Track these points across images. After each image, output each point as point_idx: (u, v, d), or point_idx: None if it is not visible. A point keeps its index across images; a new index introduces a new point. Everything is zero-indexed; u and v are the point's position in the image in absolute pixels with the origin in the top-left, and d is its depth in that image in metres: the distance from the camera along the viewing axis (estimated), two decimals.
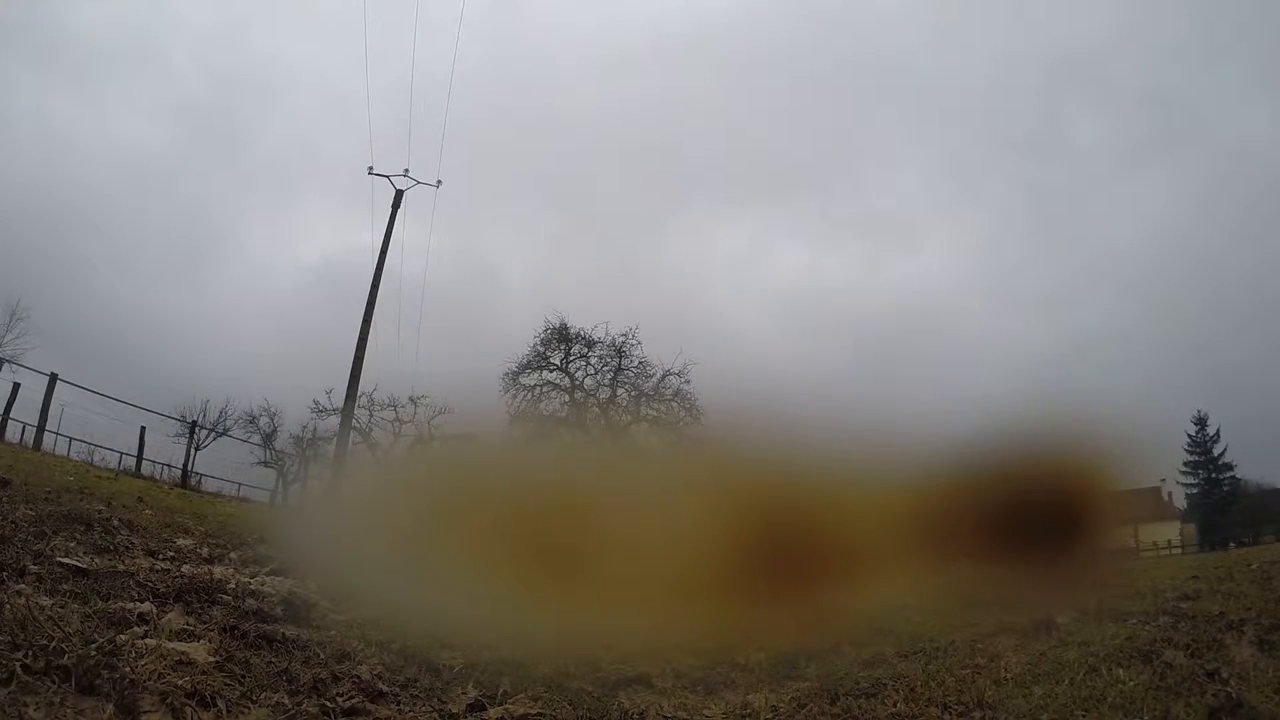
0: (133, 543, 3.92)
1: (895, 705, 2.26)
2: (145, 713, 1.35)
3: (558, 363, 28.27)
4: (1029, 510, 1.46)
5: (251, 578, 2.85)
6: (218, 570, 3.08)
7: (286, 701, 1.57)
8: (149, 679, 1.45)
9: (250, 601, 2.40)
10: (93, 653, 1.44)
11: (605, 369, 28.39)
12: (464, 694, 1.90)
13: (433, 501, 1.59)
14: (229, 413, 25.61)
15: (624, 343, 27.94)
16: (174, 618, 1.90)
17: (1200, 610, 3.94)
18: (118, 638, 1.60)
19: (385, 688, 1.82)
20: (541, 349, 27.95)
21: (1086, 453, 1.51)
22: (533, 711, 1.87)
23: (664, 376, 27.57)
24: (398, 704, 1.80)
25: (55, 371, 15.37)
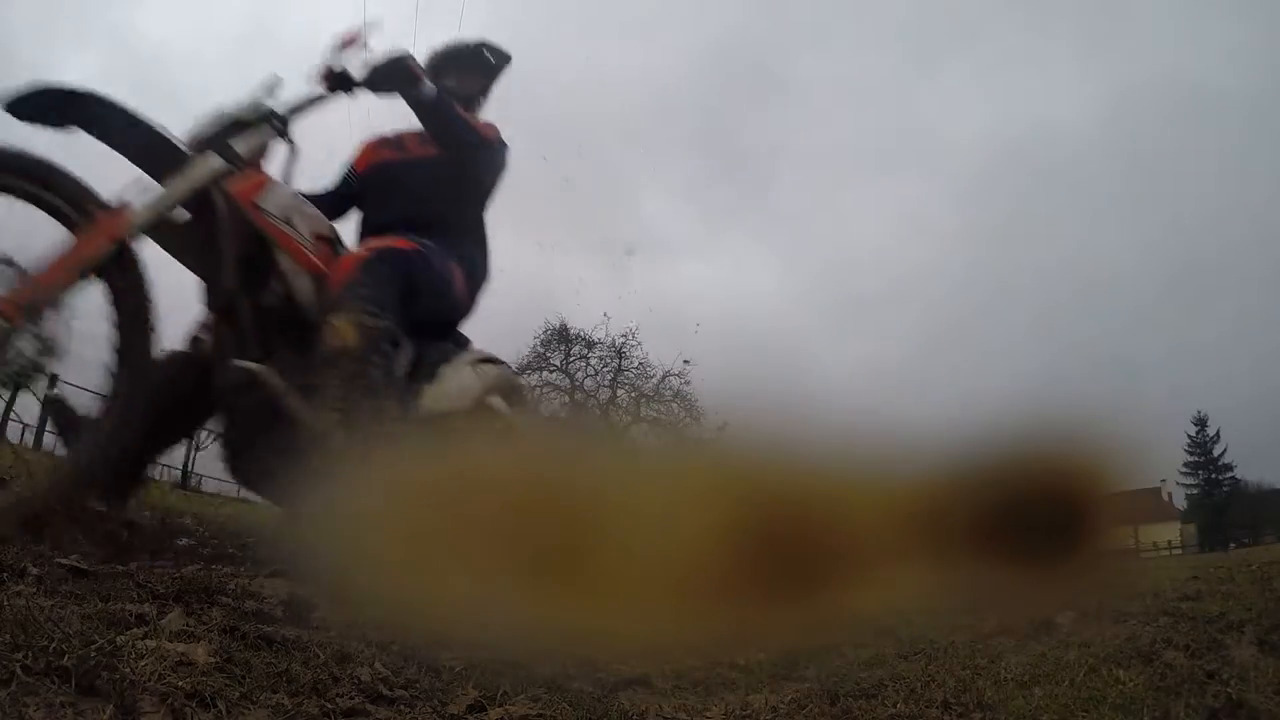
0: (133, 543, 3.92)
1: (895, 706, 2.26)
2: (145, 713, 1.35)
3: (558, 364, 28.20)
4: (1029, 510, 1.46)
5: (251, 579, 2.85)
6: (218, 570, 3.08)
7: (286, 703, 1.57)
8: (149, 680, 1.45)
9: (250, 602, 2.39)
10: (93, 654, 1.44)
11: (605, 370, 28.32)
12: (464, 695, 1.89)
13: (433, 502, 1.59)
14: None
15: (624, 343, 27.88)
16: (174, 619, 1.90)
17: (1200, 611, 3.94)
18: (117, 639, 1.60)
19: (385, 690, 1.82)
20: (541, 350, 27.88)
21: (1086, 453, 1.51)
22: (533, 712, 1.87)
23: (664, 377, 27.50)
24: (398, 705, 1.80)
25: (55, 372, 15.33)
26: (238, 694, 1.54)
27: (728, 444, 1.61)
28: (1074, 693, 2.32)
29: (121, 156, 2.53)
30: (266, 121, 2.76)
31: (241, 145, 2.65)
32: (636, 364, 28.12)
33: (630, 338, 27.56)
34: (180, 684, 1.46)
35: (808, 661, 2.80)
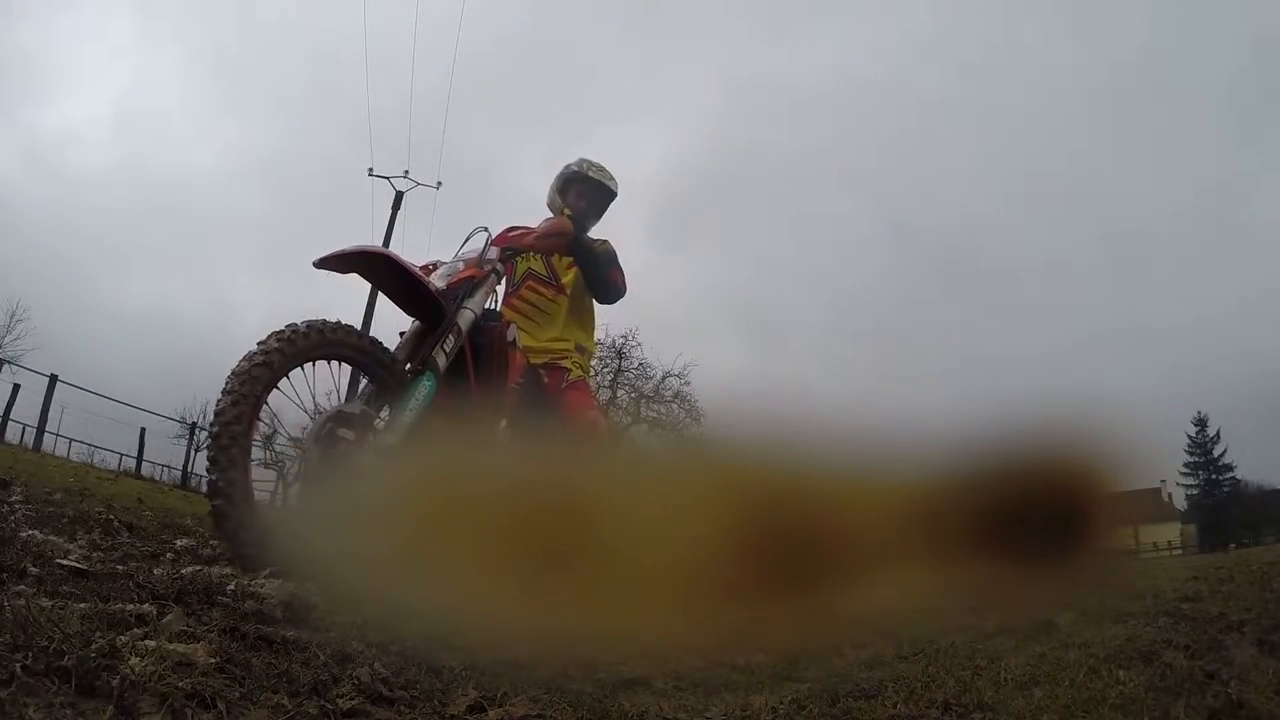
0: (133, 544, 3.92)
1: (895, 706, 2.26)
2: (145, 714, 1.35)
3: None
4: (1029, 510, 1.46)
5: (251, 579, 2.85)
6: (217, 571, 3.08)
7: (286, 703, 1.57)
8: (149, 680, 1.44)
9: (250, 603, 2.39)
10: (93, 654, 1.44)
11: (605, 370, 28.33)
12: (464, 696, 1.89)
13: (433, 503, 1.59)
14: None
15: (624, 344, 27.89)
16: (174, 619, 1.90)
17: (1200, 611, 3.94)
18: (118, 639, 1.60)
19: (385, 690, 1.82)
20: None
21: (1086, 453, 1.51)
22: (533, 713, 1.87)
23: (664, 378, 27.51)
24: (398, 706, 1.80)
25: (55, 373, 15.37)
26: (238, 694, 1.54)
27: (727, 445, 1.61)
28: (1074, 693, 2.31)
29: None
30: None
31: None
32: (636, 364, 28.15)
33: (630, 338, 27.59)
34: (180, 684, 1.46)
35: (808, 662, 2.80)
